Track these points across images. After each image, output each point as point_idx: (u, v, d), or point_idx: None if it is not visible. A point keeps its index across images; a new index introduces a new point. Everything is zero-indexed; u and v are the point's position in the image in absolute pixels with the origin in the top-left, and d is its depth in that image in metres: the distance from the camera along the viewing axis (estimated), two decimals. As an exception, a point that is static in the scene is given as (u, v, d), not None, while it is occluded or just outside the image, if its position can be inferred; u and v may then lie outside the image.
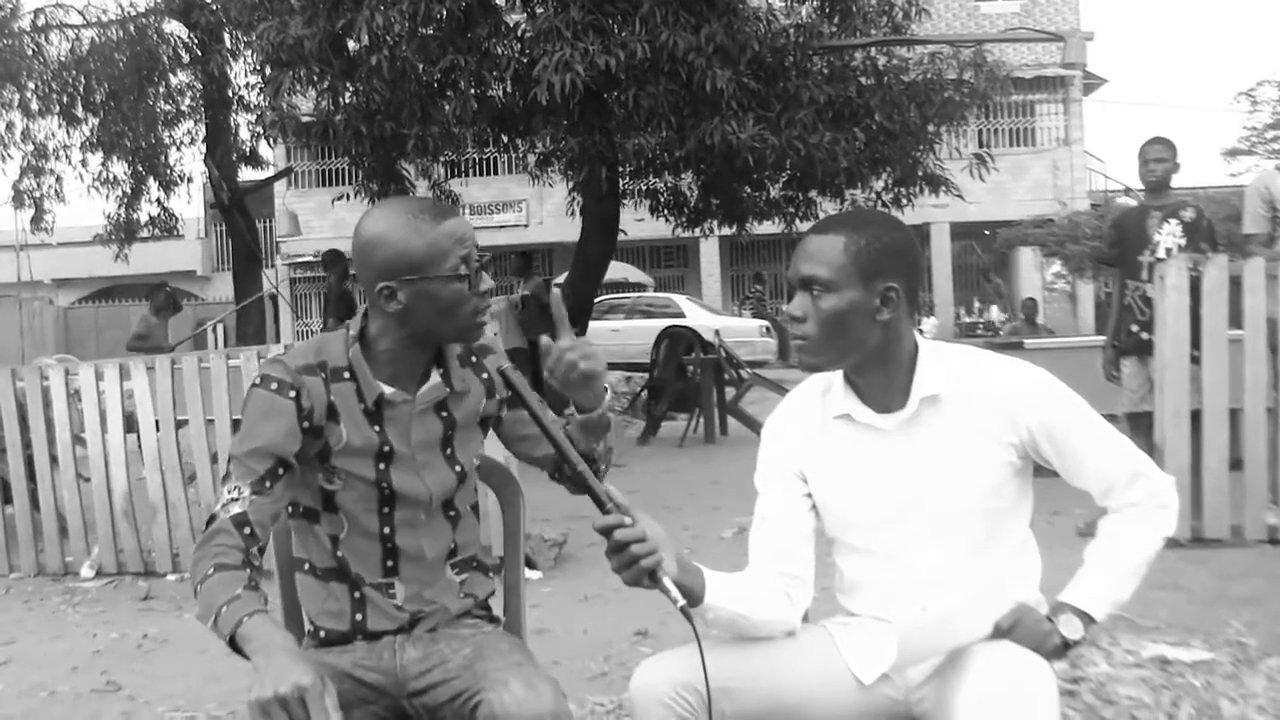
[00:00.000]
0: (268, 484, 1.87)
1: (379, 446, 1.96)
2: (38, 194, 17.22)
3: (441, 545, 2.05)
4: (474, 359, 2.08)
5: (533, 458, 2.13)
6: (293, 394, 1.91)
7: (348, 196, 11.05)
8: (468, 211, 22.84)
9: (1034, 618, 1.84)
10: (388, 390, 1.96)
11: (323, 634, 2.03)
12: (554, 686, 1.85)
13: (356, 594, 2.01)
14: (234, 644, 1.69)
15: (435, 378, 2.00)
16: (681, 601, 1.71)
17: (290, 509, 2.02)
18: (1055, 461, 1.90)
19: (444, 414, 2.02)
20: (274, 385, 1.91)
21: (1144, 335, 5.69)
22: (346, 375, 1.95)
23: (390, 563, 2.00)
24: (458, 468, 2.03)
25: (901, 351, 1.90)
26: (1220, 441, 5.17)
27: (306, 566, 2.04)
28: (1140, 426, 5.48)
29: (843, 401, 1.95)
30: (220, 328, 19.72)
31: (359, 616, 2.01)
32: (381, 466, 1.96)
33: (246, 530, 1.83)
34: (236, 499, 1.84)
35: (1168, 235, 5.80)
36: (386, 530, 1.99)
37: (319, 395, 1.93)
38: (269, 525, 1.87)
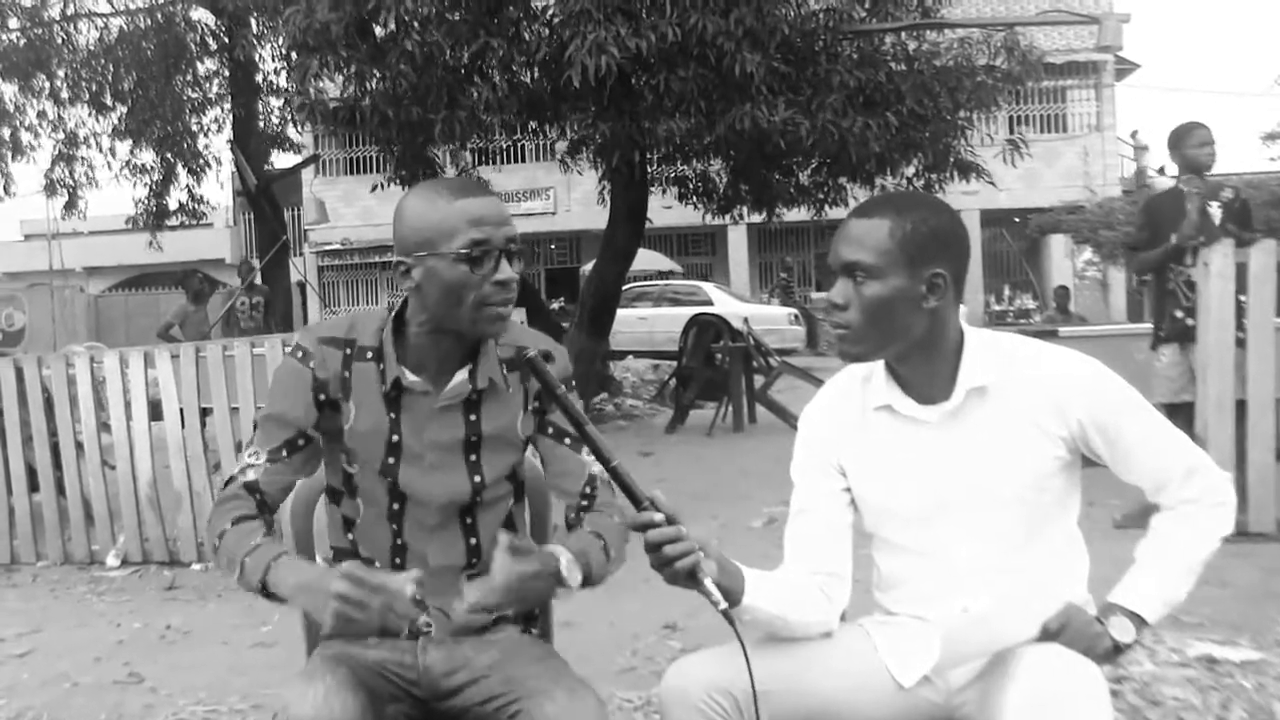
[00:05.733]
0: (284, 453, 1.87)
1: (388, 435, 1.88)
2: (70, 182, 17.35)
3: (453, 555, 1.93)
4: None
5: (561, 489, 1.98)
6: (311, 364, 1.89)
7: (381, 185, 11.01)
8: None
9: (1083, 619, 1.76)
10: (409, 377, 1.87)
11: None
12: (596, 696, 1.79)
13: None
14: (266, 591, 1.69)
15: (462, 375, 1.89)
16: (723, 605, 1.64)
17: (326, 492, 2.01)
18: (1106, 455, 1.82)
19: (472, 418, 1.90)
20: (300, 354, 1.91)
21: (1188, 321, 5.52)
22: (370, 355, 1.89)
23: (398, 560, 1.92)
24: (478, 478, 1.91)
25: (947, 340, 1.82)
26: (1265, 432, 5.05)
27: (331, 551, 2.01)
28: (1179, 418, 5.34)
29: (884, 392, 1.87)
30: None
31: None
32: (390, 460, 1.88)
33: (258, 497, 1.86)
34: (254, 465, 1.87)
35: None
36: (395, 526, 1.91)
37: (334, 369, 1.88)
38: (279, 496, 1.89)
